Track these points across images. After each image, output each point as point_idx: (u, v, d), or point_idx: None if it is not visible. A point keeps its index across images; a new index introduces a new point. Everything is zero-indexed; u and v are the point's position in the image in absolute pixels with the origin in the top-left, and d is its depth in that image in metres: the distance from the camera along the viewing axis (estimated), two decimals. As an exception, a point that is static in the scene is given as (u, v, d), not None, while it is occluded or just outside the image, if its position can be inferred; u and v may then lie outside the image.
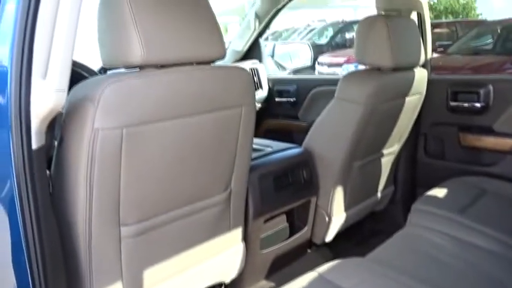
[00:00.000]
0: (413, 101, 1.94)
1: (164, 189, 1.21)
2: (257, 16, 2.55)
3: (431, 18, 2.06)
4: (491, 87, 1.99)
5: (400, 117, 1.92)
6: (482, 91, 2.01)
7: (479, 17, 14.83)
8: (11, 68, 0.87)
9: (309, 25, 12.32)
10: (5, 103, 0.88)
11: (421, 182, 2.26)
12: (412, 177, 2.29)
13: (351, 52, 8.83)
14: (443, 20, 12.95)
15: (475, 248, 1.39)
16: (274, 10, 2.54)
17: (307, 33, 11.41)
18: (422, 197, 1.77)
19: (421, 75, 1.92)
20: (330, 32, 10.98)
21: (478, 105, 2.03)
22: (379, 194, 2.15)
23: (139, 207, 1.17)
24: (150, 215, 1.20)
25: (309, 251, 2.01)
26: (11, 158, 0.90)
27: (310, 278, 1.21)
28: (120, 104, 1.02)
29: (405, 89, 1.85)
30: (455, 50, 6.75)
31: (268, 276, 1.79)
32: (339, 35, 10.68)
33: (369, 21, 1.76)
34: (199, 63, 1.18)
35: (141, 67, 1.08)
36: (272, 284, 1.78)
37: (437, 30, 8.16)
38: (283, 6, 2.52)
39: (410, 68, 1.86)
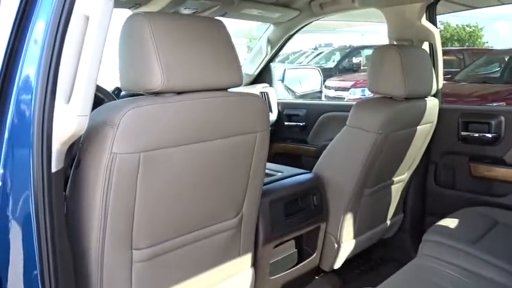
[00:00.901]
0: (424, 130, 1.95)
1: (177, 214, 1.21)
2: (269, 42, 2.58)
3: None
4: (503, 118, 2.00)
5: (411, 145, 1.92)
6: (493, 122, 2.02)
7: (485, 46, 14.96)
8: (36, 91, 0.88)
9: (316, 48, 12.45)
10: (28, 124, 0.90)
11: (431, 210, 2.25)
12: (421, 206, 2.27)
13: (357, 76, 8.91)
14: (451, 47, 13.05)
15: (487, 281, 1.37)
16: (286, 36, 2.58)
17: (315, 57, 11.52)
18: (433, 227, 1.75)
19: (432, 105, 1.93)
20: (337, 56, 11.08)
21: (489, 135, 2.03)
22: (388, 222, 2.14)
23: (152, 232, 1.17)
24: (161, 239, 1.20)
25: (316, 277, 1.99)
26: (30, 177, 0.91)
27: None
28: (139, 129, 1.03)
29: (417, 118, 1.86)
30: (463, 78, 6.78)
31: None
32: (346, 60, 10.78)
33: (383, 50, 1.78)
34: (215, 89, 1.20)
35: (159, 92, 1.10)
36: None
37: (444, 57, 8.21)
38: (295, 32, 2.55)
39: (422, 97, 1.87)
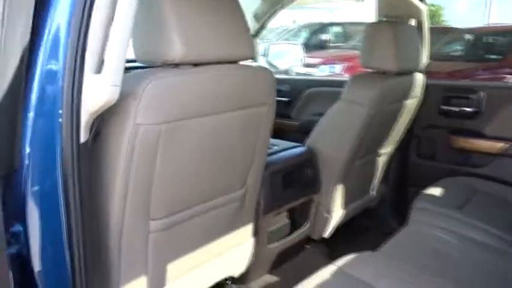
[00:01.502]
0: (411, 104, 2.03)
1: (192, 185, 1.23)
2: (256, 16, 2.58)
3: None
4: (483, 94, 2.11)
5: (398, 119, 2.01)
6: (474, 97, 2.13)
7: (445, 24, 15.36)
8: (64, 63, 0.87)
9: (287, 26, 12.40)
10: (56, 96, 0.88)
11: (412, 181, 2.36)
12: (403, 177, 2.39)
13: (326, 53, 8.99)
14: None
15: (479, 244, 1.49)
16: (273, 11, 2.58)
17: (284, 34, 11.50)
18: (420, 195, 1.86)
19: (419, 80, 2.01)
20: (305, 33, 11.11)
21: (469, 110, 2.15)
22: (373, 192, 2.24)
23: (168, 202, 1.19)
24: (176, 209, 1.22)
25: (307, 246, 2.07)
26: (57, 150, 0.90)
27: (331, 271, 1.26)
28: (161, 100, 1.03)
29: (405, 93, 1.93)
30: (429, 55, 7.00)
31: (272, 270, 1.84)
32: (315, 36, 10.82)
33: (376, 26, 1.83)
34: (229, 62, 1.21)
35: (177, 64, 1.10)
36: (276, 278, 1.83)
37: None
38: (283, 6, 2.56)
39: (410, 72, 1.94)
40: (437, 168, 2.26)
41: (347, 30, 10.59)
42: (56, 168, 0.91)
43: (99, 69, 0.88)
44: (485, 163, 2.12)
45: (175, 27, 1.05)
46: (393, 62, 1.76)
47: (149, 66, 1.11)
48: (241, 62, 1.26)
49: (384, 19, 2.11)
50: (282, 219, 1.88)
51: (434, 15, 15.62)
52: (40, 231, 0.94)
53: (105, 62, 0.88)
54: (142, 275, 1.20)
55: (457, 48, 7.54)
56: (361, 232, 2.35)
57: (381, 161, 2.17)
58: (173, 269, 1.28)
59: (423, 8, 2.10)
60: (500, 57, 6.45)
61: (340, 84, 2.76)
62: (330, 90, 1.91)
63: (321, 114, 2.00)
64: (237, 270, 1.57)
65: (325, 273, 1.26)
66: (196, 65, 1.13)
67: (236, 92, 1.21)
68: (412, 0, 2.06)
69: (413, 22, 2.15)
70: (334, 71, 7.92)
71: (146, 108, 1.01)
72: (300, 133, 1.98)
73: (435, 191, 1.90)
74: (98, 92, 0.88)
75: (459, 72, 6.04)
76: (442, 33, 7.78)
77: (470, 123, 2.17)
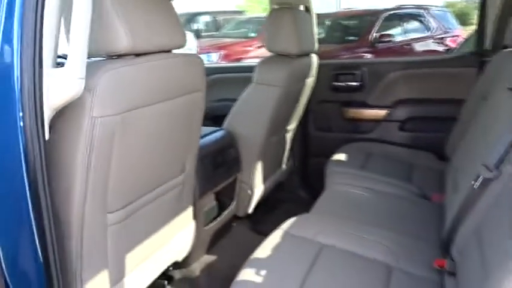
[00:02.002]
0: (310, 83, 2.26)
1: (143, 173, 1.25)
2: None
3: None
4: (365, 69, 2.44)
5: (301, 97, 2.22)
6: (358, 72, 2.45)
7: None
8: (19, 61, 0.84)
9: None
10: (13, 100, 0.85)
11: (313, 153, 2.63)
12: (305, 150, 2.64)
13: (199, 43, 9.07)
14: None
15: (383, 193, 1.76)
16: None
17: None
18: (330, 162, 2.11)
19: (314, 61, 2.24)
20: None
21: (355, 84, 2.46)
22: (284, 166, 2.44)
23: (124, 193, 1.20)
24: (130, 200, 1.24)
25: (234, 224, 2.19)
26: (19, 152, 0.87)
27: (279, 235, 1.40)
28: (115, 91, 1.04)
29: (306, 73, 2.15)
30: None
31: (209, 250, 1.93)
32: (185, 26, 10.80)
33: (279, 13, 1.99)
34: (165, 51, 1.25)
35: (120, 55, 1.11)
36: (213, 258, 1.92)
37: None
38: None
39: (308, 54, 2.16)
40: (334, 138, 2.55)
41: (217, 19, 10.78)
42: (22, 168, 0.88)
43: (58, 64, 0.87)
44: (372, 128, 2.47)
45: (118, 20, 1.06)
46: (296, 45, 1.95)
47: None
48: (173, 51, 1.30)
49: (276, 6, 2.30)
50: (210, 202, 1.96)
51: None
52: (10, 227, 0.91)
53: (69, 55, 0.87)
54: (104, 269, 1.19)
55: (320, 32, 8.22)
56: (276, 204, 2.55)
57: (288, 137, 2.38)
58: (130, 260, 1.29)
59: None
60: (356, 38, 7.25)
61: (240, 69, 2.91)
62: (233, 76, 2.03)
63: (227, 100, 2.12)
64: (181, 254, 1.62)
65: (274, 237, 1.39)
66: (137, 55, 1.15)
67: (175, 80, 1.27)
68: None
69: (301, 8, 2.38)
70: (212, 60, 8.06)
71: (102, 100, 1.01)
72: (206, 119, 2.06)
73: (340, 156, 2.17)
74: (62, 87, 0.88)
75: (326, 53, 6.64)
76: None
77: (357, 95, 2.49)
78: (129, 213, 1.25)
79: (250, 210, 2.15)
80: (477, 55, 2.23)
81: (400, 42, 7.19)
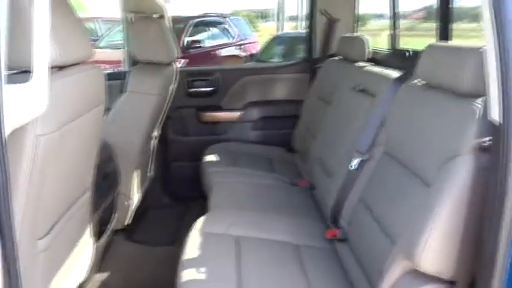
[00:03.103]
0: (172, 90, 2.34)
1: (64, 191, 1.18)
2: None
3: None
4: (218, 75, 2.64)
5: (166, 104, 2.29)
6: (212, 78, 2.64)
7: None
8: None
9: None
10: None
11: (173, 157, 2.71)
12: (166, 155, 2.69)
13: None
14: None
15: (266, 185, 2.01)
16: None
17: None
18: (205, 164, 2.24)
19: (176, 67, 2.33)
20: None
21: (209, 89, 2.64)
22: (151, 172, 2.46)
23: (50, 215, 1.12)
24: (54, 222, 1.15)
25: (114, 237, 2.12)
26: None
27: (197, 235, 1.48)
28: (54, 106, 0.98)
29: (172, 80, 2.22)
30: (105, 45, 7.27)
31: (98, 267, 1.84)
32: None
33: (144, 22, 2.01)
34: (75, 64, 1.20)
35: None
36: (105, 275, 1.84)
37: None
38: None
39: (171, 62, 2.24)
40: (192, 141, 2.69)
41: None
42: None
43: (17, 80, 0.80)
44: (228, 130, 2.70)
45: (45, 35, 0.99)
46: (166, 54, 2.02)
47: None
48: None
49: (131, 14, 2.30)
50: (97, 218, 1.88)
51: (79, 5, 15.74)
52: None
53: (35, 70, 0.81)
54: None
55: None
56: (145, 212, 2.54)
57: (153, 143, 2.41)
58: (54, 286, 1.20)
59: (163, 4, 2.40)
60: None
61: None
62: None
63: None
64: (83, 275, 1.54)
65: (194, 238, 1.47)
66: (61, 68, 1.09)
67: (91, 92, 1.23)
68: None
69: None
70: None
71: (44, 117, 0.94)
72: None
73: (210, 158, 2.33)
74: (28, 103, 0.81)
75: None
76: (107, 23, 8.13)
77: (212, 100, 2.68)
78: (54, 237, 1.16)
79: (128, 221, 2.12)
80: (308, 62, 2.69)
81: (208, 48, 7.69)
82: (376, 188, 1.41)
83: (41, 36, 0.81)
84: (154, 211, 2.59)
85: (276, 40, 7.93)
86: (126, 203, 2.06)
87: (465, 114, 1.01)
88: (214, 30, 8.39)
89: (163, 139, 2.64)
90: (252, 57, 8.03)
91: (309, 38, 2.67)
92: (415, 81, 1.42)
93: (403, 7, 2.23)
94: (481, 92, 1.05)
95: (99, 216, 1.85)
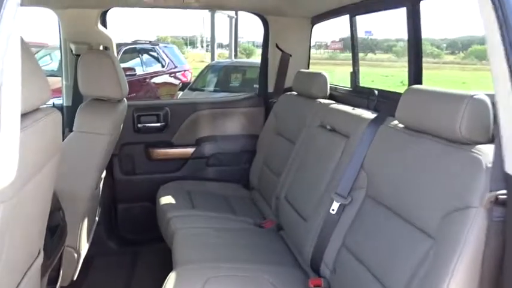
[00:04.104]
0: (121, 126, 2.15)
1: (17, 263, 0.99)
2: None
3: None
4: (168, 109, 2.49)
5: (113, 143, 2.09)
6: (161, 113, 2.48)
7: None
8: None
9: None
10: None
11: (120, 198, 2.48)
12: (113, 196, 2.46)
13: None
14: None
15: (228, 229, 1.88)
16: None
17: None
18: (161, 207, 2.07)
19: (126, 104, 2.15)
20: None
21: (159, 124, 2.48)
22: (97, 217, 2.22)
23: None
24: None
25: None
26: None
27: None
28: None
29: (123, 116, 2.04)
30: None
31: None
32: None
33: (94, 55, 1.83)
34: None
35: None
36: None
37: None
38: None
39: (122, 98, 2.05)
40: (141, 180, 2.49)
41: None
42: None
43: None
44: (181, 167, 2.54)
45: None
46: (119, 90, 1.85)
47: None
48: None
49: (73, 45, 2.11)
50: (44, 284, 1.63)
51: None
52: None
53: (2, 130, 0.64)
54: None
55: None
56: (88, 262, 2.28)
57: (100, 185, 2.19)
58: None
59: (111, 35, 2.23)
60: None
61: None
62: None
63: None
64: None
65: None
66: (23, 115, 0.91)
67: (50, 140, 1.06)
68: (99, 28, 2.15)
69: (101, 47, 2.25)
70: None
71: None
72: None
73: (165, 200, 2.16)
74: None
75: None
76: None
77: (162, 135, 2.51)
78: None
79: (76, 276, 1.87)
80: (263, 97, 2.63)
81: (141, 75, 7.43)
82: (362, 234, 1.35)
83: (11, 81, 0.65)
84: (100, 259, 2.34)
85: (210, 69, 7.90)
86: (75, 255, 1.82)
87: (472, 164, 0.99)
88: (145, 58, 8.16)
89: (109, 178, 2.42)
90: (185, 85, 7.91)
91: (263, 72, 2.63)
92: (393, 123, 1.41)
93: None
94: (478, 140, 1.05)
95: (47, 279, 1.61)
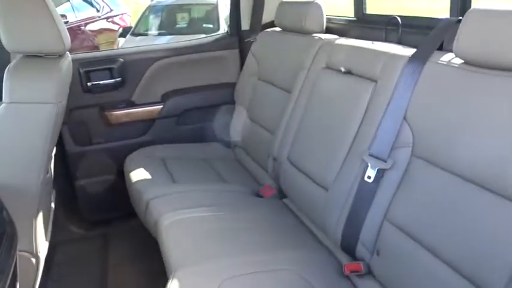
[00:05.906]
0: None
1: None
2: None
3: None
4: (123, 61, 2.01)
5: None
6: (115, 66, 2.00)
7: None
8: None
9: None
10: None
11: (76, 174, 2.04)
12: (67, 172, 2.02)
13: None
14: None
15: (224, 205, 1.54)
16: None
17: None
18: (134, 184, 1.69)
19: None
20: None
21: (113, 81, 2.00)
22: (53, 204, 1.80)
23: None
24: None
25: None
26: None
27: None
28: None
29: (70, 76, 1.57)
30: None
31: None
32: None
33: None
34: None
35: None
36: None
37: None
38: None
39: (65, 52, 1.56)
40: (99, 151, 2.05)
41: None
42: None
43: None
44: (146, 130, 2.11)
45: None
46: (59, 39, 1.33)
47: None
48: None
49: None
50: None
51: None
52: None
53: None
54: None
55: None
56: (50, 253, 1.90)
57: (52, 164, 1.74)
58: None
59: None
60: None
61: None
62: None
63: None
64: None
65: None
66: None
67: None
68: None
69: None
70: None
71: None
72: None
73: (137, 173, 1.76)
74: None
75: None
76: None
77: (119, 94, 2.05)
78: None
79: (38, 284, 1.49)
80: (236, 36, 2.20)
81: (74, 22, 6.57)
82: (414, 206, 1.05)
83: None
84: (65, 250, 1.95)
85: (152, 10, 7.16)
86: (32, 260, 1.43)
87: None
88: (76, 2, 7.23)
89: (59, 152, 1.97)
90: (125, 30, 7.17)
91: (234, 5, 2.17)
92: (443, 59, 1.08)
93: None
94: None
95: None
